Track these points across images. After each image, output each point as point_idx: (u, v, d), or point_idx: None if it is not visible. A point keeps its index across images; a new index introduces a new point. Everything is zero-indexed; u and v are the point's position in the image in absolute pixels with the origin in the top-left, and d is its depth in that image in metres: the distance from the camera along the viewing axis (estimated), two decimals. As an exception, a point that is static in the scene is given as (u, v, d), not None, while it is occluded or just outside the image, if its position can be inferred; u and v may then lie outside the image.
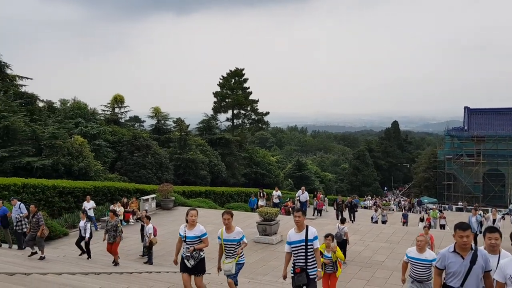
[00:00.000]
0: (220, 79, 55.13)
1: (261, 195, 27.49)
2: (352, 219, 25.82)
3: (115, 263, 12.62)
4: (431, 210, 30.89)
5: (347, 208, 26.46)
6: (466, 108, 72.27)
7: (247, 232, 19.15)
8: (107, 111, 46.32)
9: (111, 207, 19.86)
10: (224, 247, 7.93)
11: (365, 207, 43.33)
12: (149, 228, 13.78)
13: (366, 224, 25.12)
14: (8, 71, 35.74)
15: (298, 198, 25.34)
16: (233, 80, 54.79)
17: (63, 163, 26.55)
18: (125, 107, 47.19)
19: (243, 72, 54.92)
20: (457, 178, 67.14)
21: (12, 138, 26.86)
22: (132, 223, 20.52)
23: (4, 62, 35.12)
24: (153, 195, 24.43)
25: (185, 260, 7.52)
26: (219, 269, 8.08)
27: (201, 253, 7.64)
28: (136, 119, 59.79)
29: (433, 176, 71.59)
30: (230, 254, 7.90)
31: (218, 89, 55.05)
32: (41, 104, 37.76)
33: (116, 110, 46.78)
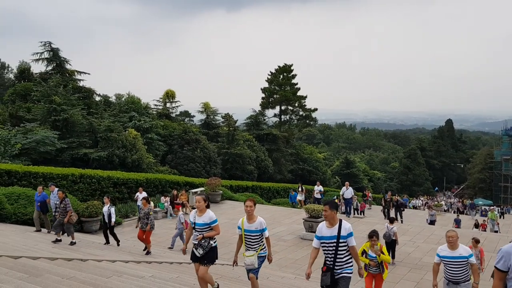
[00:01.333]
0: (269, 75, 55.27)
1: (300, 189, 27.20)
2: (401, 218, 24.82)
3: (147, 251, 12.37)
4: (489, 212, 28.73)
5: (394, 207, 25.31)
6: (527, 106, 68.41)
7: (294, 229, 19.26)
8: (159, 105, 47.72)
9: (162, 198, 20.49)
10: (245, 238, 7.30)
11: (414, 207, 42.14)
12: (180, 216, 14.18)
13: (416, 225, 24.43)
14: (67, 66, 37.57)
15: (342, 194, 23.98)
16: (281, 76, 54.77)
17: (118, 155, 27.63)
18: (176, 102, 48.43)
19: (292, 68, 54.76)
20: (515, 180, 63.92)
21: (71, 130, 28.27)
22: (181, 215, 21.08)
23: (64, 58, 36.97)
24: (202, 188, 24.93)
25: (194, 249, 7.00)
26: (235, 262, 7.56)
27: (212, 242, 7.05)
28: (186, 113, 61.20)
29: (489, 177, 68.57)
30: (251, 246, 7.28)
31: (266, 85, 55.25)
32: (97, 98, 39.52)
33: (168, 105, 48.08)
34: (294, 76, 54.81)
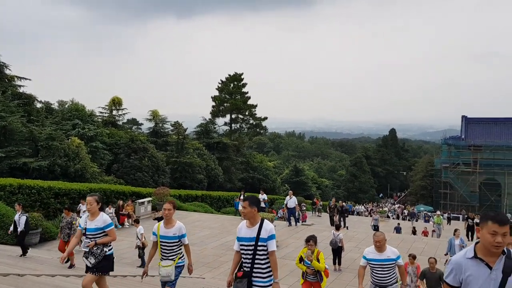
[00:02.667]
0: (219, 83, 55.24)
1: (242, 198, 26.99)
2: (344, 225, 24.98)
3: (70, 264, 11.15)
4: (435, 217, 29.57)
5: (338, 213, 25.45)
6: (463, 117, 72.54)
7: (243, 237, 19.26)
8: (105, 113, 46.30)
9: (106, 210, 19.84)
10: (161, 245, 6.46)
11: (358, 213, 43.38)
12: (140, 229, 13.62)
13: (362, 231, 25.13)
14: (7, 71, 35.70)
15: (286, 204, 23.05)
16: (232, 85, 54.90)
17: (60, 165, 26.50)
18: (123, 109, 47.17)
19: (242, 76, 55.05)
20: (453, 187, 67.25)
21: (9, 138, 26.80)
22: (127, 226, 20.48)
23: (2, 62, 35.07)
24: (149, 198, 24.40)
25: (84, 258, 6.16)
26: (145, 273, 6.67)
27: (106, 249, 6.22)
28: (134, 121, 59.78)
29: (430, 185, 71.75)
30: (168, 255, 6.46)
31: (217, 93, 55.16)
32: (39, 105, 37.72)
33: (114, 112, 46.74)
34: (244, 85, 55.11)
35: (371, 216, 33.68)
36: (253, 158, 52.29)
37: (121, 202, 21.08)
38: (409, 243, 19.73)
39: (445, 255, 14.80)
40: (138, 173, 33.58)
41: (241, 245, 5.37)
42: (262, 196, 24.45)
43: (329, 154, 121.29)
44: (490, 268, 3.25)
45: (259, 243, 5.22)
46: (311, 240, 8.40)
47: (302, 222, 26.74)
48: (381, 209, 46.80)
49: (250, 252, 5.25)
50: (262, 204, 23.89)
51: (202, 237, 19.22)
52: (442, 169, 68.39)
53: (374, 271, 7.05)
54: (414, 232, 28.48)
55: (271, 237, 5.26)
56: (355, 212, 43.65)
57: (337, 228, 14.84)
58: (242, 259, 5.38)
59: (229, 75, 55.16)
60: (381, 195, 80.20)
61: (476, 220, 21.24)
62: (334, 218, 24.38)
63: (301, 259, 8.61)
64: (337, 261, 14.19)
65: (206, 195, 32.85)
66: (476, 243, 3.40)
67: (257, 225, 5.27)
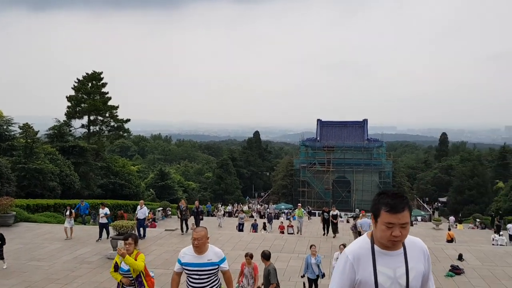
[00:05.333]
0: (75, 82, 51.05)
1: (68, 213, 20.45)
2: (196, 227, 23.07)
3: None
4: (296, 210, 29.41)
5: (193, 215, 23.25)
6: (318, 120, 78.71)
7: (100, 248, 17.77)
8: None
9: None
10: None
11: (228, 214, 43.95)
12: None
13: (226, 232, 25.32)
14: None
15: (136, 214, 20.99)
16: (90, 84, 51.15)
17: None
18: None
19: (102, 75, 51.72)
20: (310, 185, 72.49)
21: None
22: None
23: None
24: (-12, 211, 21.30)
25: None
26: None
27: None
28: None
29: (290, 184, 76.23)
30: None
31: (73, 92, 50.89)
32: None
33: None
34: (104, 85, 51.81)
35: (236, 216, 34.37)
36: (115, 162, 49.44)
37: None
38: (271, 241, 20.35)
39: (302, 277, 12.95)
40: (-25, 183, 29.17)
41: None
42: (103, 211, 20.49)
43: (197, 156, 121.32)
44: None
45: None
46: (129, 238, 6.92)
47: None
48: (246, 209, 48.08)
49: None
50: (105, 220, 20.21)
51: (53, 251, 17.35)
52: (301, 169, 73.23)
53: (190, 279, 5.62)
54: (265, 227, 30.12)
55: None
56: (226, 214, 44.04)
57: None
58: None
59: (87, 73, 51.32)
60: (247, 197, 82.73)
61: (332, 212, 23.16)
62: (186, 222, 21.93)
63: (116, 267, 7.06)
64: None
65: (60, 204, 29.93)
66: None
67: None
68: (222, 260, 5.77)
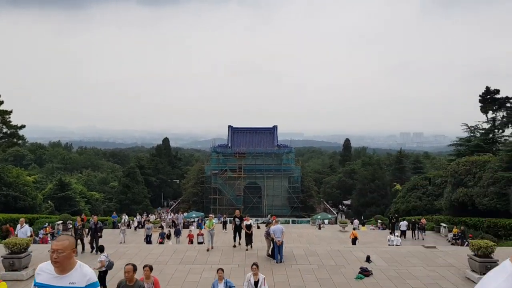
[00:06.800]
0: (-41, 84, 45.65)
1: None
2: (95, 248, 19.63)
3: None
4: (206, 221, 28.18)
5: (89, 234, 20.98)
6: (229, 127, 78.86)
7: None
8: None
9: None
10: None
11: (129, 226, 41.81)
12: None
13: (134, 246, 23.84)
14: None
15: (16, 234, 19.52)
16: (-23, 86, 46.04)
17: None
18: None
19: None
20: (222, 191, 72.12)
21: None
22: None
23: None
24: None
25: None
26: None
27: None
28: None
29: (201, 191, 75.13)
30: None
31: (-44, 96, 45.32)
32: None
33: None
34: (-6, 87, 46.95)
35: (146, 224, 32.70)
36: (8, 172, 44.72)
37: None
38: (182, 253, 19.43)
39: None
40: None
41: None
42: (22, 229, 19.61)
43: (101, 165, 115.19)
44: None
45: None
46: None
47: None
48: (154, 219, 46.20)
49: None
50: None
51: None
52: (212, 176, 72.61)
53: None
54: (168, 236, 28.81)
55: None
56: (139, 225, 41.69)
57: (101, 250, 13.29)
58: None
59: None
60: (159, 207, 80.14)
61: (246, 222, 21.45)
62: (81, 241, 20.29)
63: None
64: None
65: None
66: None
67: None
68: (91, 286, 4.14)
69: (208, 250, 19.47)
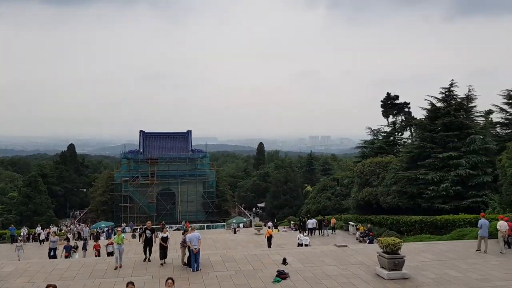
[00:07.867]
0: None
1: None
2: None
3: None
4: (115, 236, 26.44)
5: None
6: (141, 132, 76.28)
7: None
8: None
9: None
10: None
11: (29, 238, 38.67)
12: None
13: (36, 261, 21.84)
14: None
15: None
16: None
17: None
18: None
19: None
20: (133, 199, 69.37)
21: None
22: None
23: None
24: None
25: None
26: None
27: None
28: None
29: (110, 199, 71.64)
30: None
31: None
32: None
33: None
34: None
35: (50, 237, 30.26)
36: None
37: None
38: (91, 267, 18.15)
39: None
40: None
41: None
42: None
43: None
44: None
45: None
46: None
47: None
48: (60, 231, 43.11)
49: None
50: None
51: None
52: (122, 183, 69.62)
53: None
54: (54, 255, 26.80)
55: None
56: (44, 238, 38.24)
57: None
58: None
59: None
60: (68, 219, 74.99)
61: (163, 235, 19.64)
62: None
63: None
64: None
65: None
66: None
67: None
68: None
69: (116, 268, 18.02)
